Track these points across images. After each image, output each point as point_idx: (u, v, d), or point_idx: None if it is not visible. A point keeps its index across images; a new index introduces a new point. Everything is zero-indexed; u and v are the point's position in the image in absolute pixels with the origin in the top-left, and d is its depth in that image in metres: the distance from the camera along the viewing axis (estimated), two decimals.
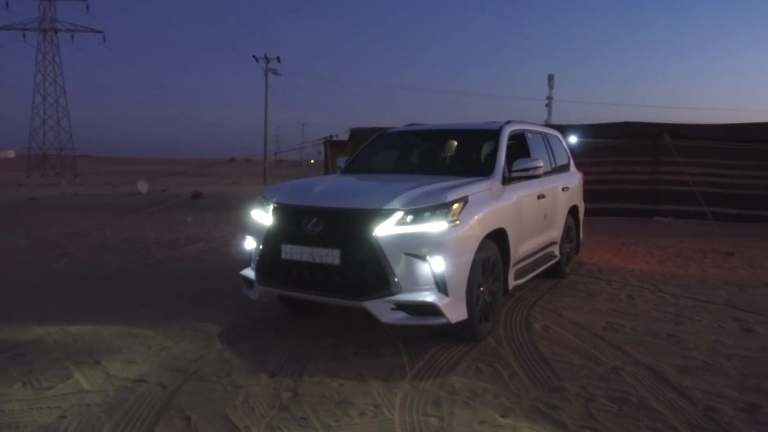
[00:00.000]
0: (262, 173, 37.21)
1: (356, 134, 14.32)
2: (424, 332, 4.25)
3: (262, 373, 3.52)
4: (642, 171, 13.16)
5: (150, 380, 3.40)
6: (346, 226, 3.79)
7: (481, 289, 4.17)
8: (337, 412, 2.98)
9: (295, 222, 3.99)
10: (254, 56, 37.23)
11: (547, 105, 40.93)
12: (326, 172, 15.07)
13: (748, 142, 12.45)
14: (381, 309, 3.67)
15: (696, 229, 10.87)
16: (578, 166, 7.75)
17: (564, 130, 12.76)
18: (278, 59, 37.25)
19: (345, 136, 15.13)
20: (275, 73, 37.28)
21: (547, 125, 12.27)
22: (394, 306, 3.67)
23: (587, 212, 7.84)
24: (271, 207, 4.20)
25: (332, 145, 15.21)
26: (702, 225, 10.97)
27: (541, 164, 4.94)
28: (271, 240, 4.08)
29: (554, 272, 6.27)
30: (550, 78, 41.25)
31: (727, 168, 12.52)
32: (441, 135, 5.71)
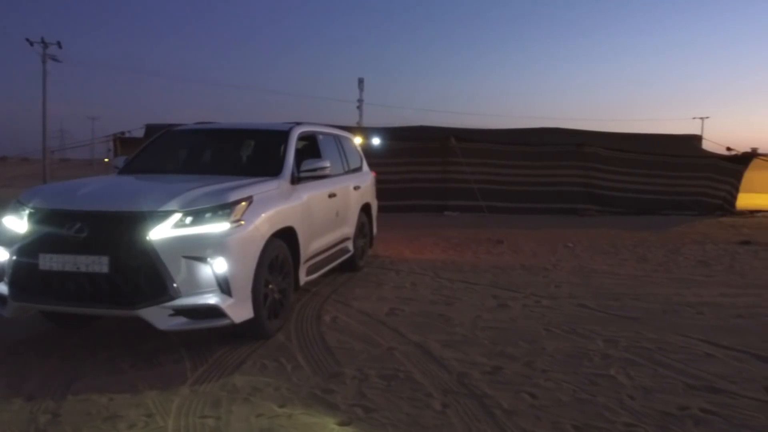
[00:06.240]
0: (41, 173, 32.47)
1: (153, 131, 13.35)
2: (212, 335, 4.18)
3: (16, 397, 3.14)
4: (434, 171, 14.53)
5: None
6: (116, 231, 3.56)
7: (270, 287, 4.24)
8: (104, 428, 2.80)
9: (55, 228, 3.62)
10: (28, 40, 32.44)
11: (358, 107, 42.74)
12: None
13: (516, 145, 14.59)
14: (158, 316, 3.52)
15: (477, 221, 12.32)
16: (379, 166, 8.29)
17: (371, 132, 13.57)
18: (59, 44, 32.96)
19: (140, 133, 14.03)
20: (55, 59, 32.91)
21: (355, 127, 12.90)
22: (172, 312, 3.55)
23: (386, 209, 8.42)
24: (27, 212, 3.76)
25: (124, 142, 13.98)
26: (482, 217, 12.49)
27: (328, 165, 5.19)
28: (26, 249, 3.64)
29: (349, 266, 6.62)
30: (360, 81, 43.14)
31: (501, 167, 14.48)
32: (230, 135, 5.65)
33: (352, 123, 32.27)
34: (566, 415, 3.00)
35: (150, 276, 3.51)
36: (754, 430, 2.86)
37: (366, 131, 14.52)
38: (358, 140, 8.27)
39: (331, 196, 5.76)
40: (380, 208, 8.09)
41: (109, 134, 14.97)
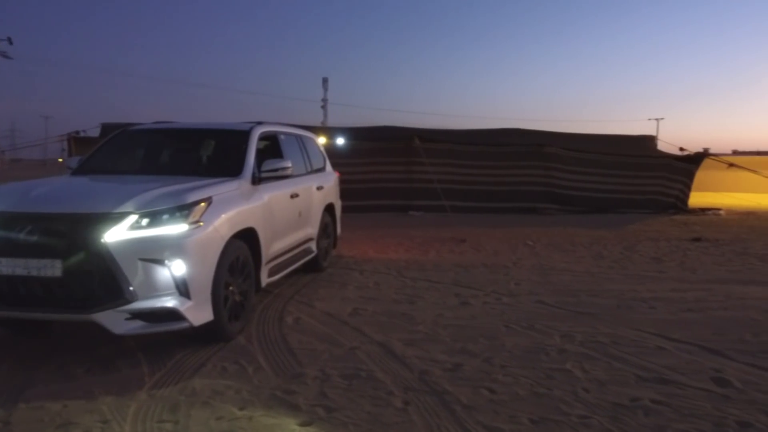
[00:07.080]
0: None
1: (108, 130, 12.97)
2: (171, 339, 4.10)
3: None
4: (398, 170, 14.58)
5: None
6: (69, 233, 3.46)
7: (231, 288, 4.19)
8: None
9: (5, 231, 3.50)
10: None
11: (322, 107, 42.61)
12: None
13: (478, 146, 14.80)
14: (113, 320, 3.45)
15: (440, 220, 12.45)
16: (343, 166, 8.26)
17: (335, 132, 13.54)
18: (9, 41, 31.87)
19: (96, 132, 13.63)
20: (6, 56, 31.77)
21: (319, 127, 12.87)
22: (129, 315, 3.48)
23: (351, 209, 8.39)
24: None
25: (79, 142, 13.55)
26: (445, 217, 12.61)
27: (290, 165, 5.16)
28: None
29: (312, 267, 6.60)
30: (325, 81, 43.08)
31: (463, 167, 14.64)
32: (189, 134, 5.55)
33: (317, 123, 32.14)
34: (523, 408, 3.08)
35: (105, 279, 3.43)
36: (701, 419, 2.99)
37: (330, 131, 14.47)
38: (321, 140, 8.25)
39: (294, 196, 5.73)
40: (344, 209, 8.08)
41: (63, 133, 14.50)
